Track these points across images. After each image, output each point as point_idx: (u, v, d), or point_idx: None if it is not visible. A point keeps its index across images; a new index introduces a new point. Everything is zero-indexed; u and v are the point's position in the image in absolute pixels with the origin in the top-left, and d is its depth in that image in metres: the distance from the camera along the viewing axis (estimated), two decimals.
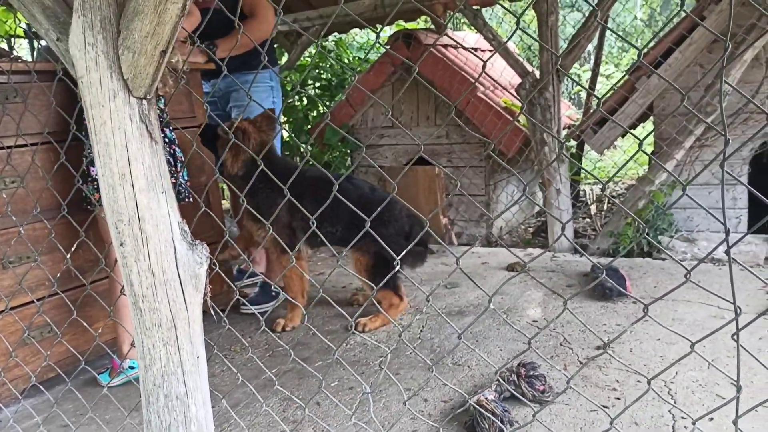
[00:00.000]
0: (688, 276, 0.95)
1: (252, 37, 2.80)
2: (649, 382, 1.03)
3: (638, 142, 0.97)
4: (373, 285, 2.50)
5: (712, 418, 1.77)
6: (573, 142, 4.12)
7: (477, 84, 3.81)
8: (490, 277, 3.34)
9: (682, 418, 1.77)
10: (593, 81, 4.34)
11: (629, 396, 1.93)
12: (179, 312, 1.11)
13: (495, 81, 4.12)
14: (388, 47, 4.13)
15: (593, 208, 4.77)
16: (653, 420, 1.78)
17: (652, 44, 3.42)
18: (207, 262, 1.14)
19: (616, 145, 6.12)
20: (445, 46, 4.12)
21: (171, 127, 2.32)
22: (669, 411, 1.82)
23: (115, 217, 1.05)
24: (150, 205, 1.04)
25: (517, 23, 0.94)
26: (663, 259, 3.34)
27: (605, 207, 4.57)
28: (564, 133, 3.94)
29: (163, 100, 2.20)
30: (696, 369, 2.07)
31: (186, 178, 2.41)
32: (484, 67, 1.07)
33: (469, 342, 2.48)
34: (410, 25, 4.77)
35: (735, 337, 0.88)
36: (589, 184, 5.55)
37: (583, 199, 5.10)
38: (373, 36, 5.15)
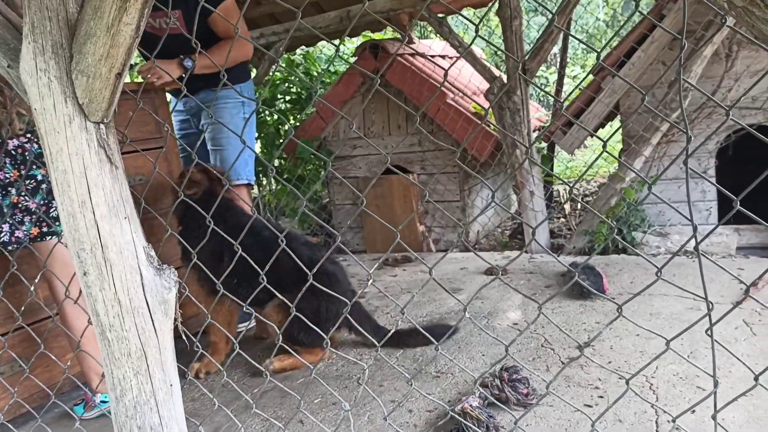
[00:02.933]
0: (659, 274, 0.96)
1: (232, 55, 2.77)
2: (627, 382, 1.03)
3: (602, 143, 0.98)
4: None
5: (693, 411, 1.78)
6: (544, 144, 4.17)
7: (446, 91, 3.83)
8: (470, 282, 3.34)
9: (665, 412, 1.78)
10: (560, 83, 4.40)
11: (612, 394, 1.94)
12: (149, 340, 1.07)
13: (464, 87, 4.15)
14: (355, 58, 4.14)
15: (567, 207, 4.83)
16: (636, 416, 1.79)
17: (614, 44, 3.48)
18: (176, 287, 1.12)
19: (587, 144, 6.22)
20: (413, 54, 4.14)
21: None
22: (652, 407, 1.83)
23: (77, 246, 1.01)
24: (113, 231, 1.01)
25: (476, 31, 0.94)
26: (638, 255, 3.38)
27: (579, 206, 4.63)
28: (534, 135, 3.97)
29: None
30: (676, 362, 2.09)
31: None
32: (446, 74, 1.07)
33: (452, 349, 2.47)
34: (378, 36, 4.79)
35: (709, 332, 0.89)
36: (562, 183, 5.62)
37: (557, 199, 5.16)
38: (341, 48, 5.16)
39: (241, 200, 2.88)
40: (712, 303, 0.89)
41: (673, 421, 1.21)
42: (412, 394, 2.13)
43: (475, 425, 1.71)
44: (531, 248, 3.73)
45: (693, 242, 2.91)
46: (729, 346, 2.16)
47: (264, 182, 5.31)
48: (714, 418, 0.89)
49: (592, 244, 3.49)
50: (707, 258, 0.92)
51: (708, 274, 2.90)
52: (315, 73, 5.00)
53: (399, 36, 4.23)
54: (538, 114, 5.27)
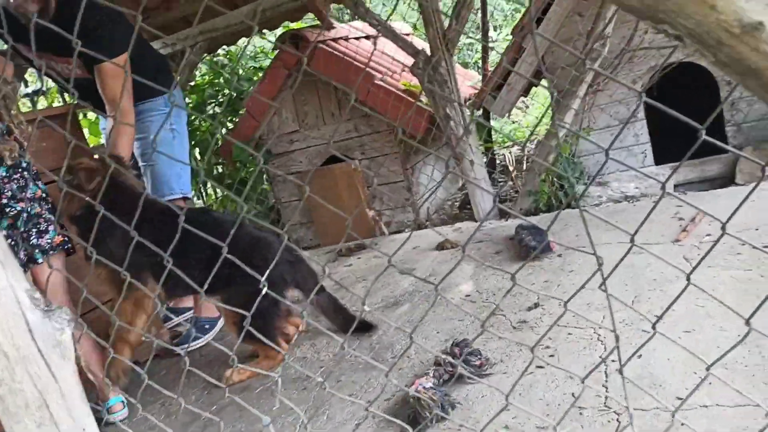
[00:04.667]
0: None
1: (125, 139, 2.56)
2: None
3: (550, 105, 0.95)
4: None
5: (640, 356, 1.81)
6: (478, 112, 4.16)
7: (373, 72, 3.77)
8: (423, 260, 3.33)
9: (612, 361, 1.80)
10: (485, 49, 4.39)
11: (561, 351, 1.95)
12: (48, 387, 1.01)
13: (391, 65, 4.10)
14: (277, 52, 4.04)
15: (511, 169, 4.86)
16: (586, 369, 1.80)
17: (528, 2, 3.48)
18: (70, 326, 1.05)
19: (527, 104, 6.27)
20: (336, 39, 4.06)
21: (39, 181, 2.16)
22: (600, 357, 1.85)
23: None
24: None
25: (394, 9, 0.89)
26: (581, 209, 3.42)
27: (524, 168, 4.66)
28: (468, 103, 3.97)
29: (24, 153, 2.05)
30: (621, 309, 2.11)
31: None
32: (370, 57, 1.02)
33: (408, 329, 2.45)
34: (297, 25, 4.68)
35: (603, 287, 0.87)
36: (507, 148, 5.65)
37: (504, 163, 5.19)
38: (262, 42, 5.03)
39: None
40: (601, 258, 0.88)
41: (620, 371, 1.21)
42: (370, 384, 2.11)
43: (428, 406, 1.70)
44: (479, 216, 3.74)
45: (632, 185, 2.94)
46: (670, 285, 2.20)
47: (210, 191, 5.19)
48: (620, 372, 0.88)
49: (537, 203, 3.52)
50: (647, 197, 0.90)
51: (645, 216, 2.95)
52: (241, 72, 4.87)
53: (318, 23, 4.14)
54: (472, 81, 5.27)
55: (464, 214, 4.13)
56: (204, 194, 5.09)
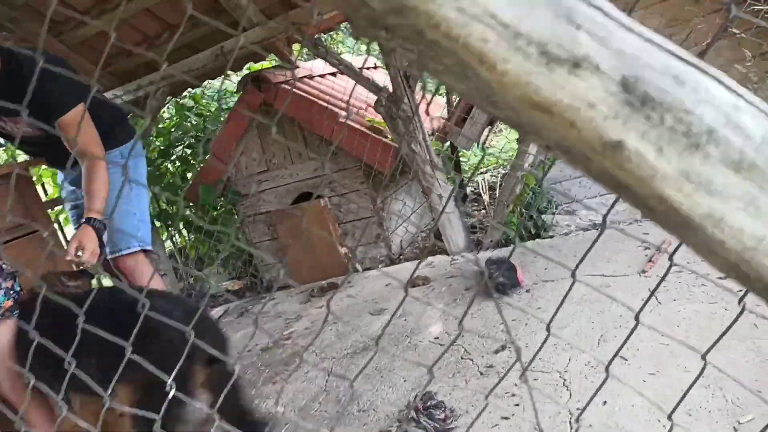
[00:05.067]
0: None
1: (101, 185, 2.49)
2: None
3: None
4: None
5: (605, 402, 1.76)
6: (446, 144, 4.16)
7: (336, 110, 3.76)
8: (394, 300, 3.27)
9: (578, 410, 1.76)
10: None
11: (527, 399, 1.90)
12: None
13: (356, 101, 4.09)
14: (240, 94, 4.02)
15: (486, 198, 4.86)
16: (551, 419, 1.76)
17: None
18: None
19: (496, 131, 6.29)
20: (300, 78, 4.06)
21: None
22: (565, 404, 1.80)
23: None
24: None
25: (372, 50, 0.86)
26: (551, 237, 3.41)
27: (497, 195, 4.65)
28: (433, 138, 3.96)
29: None
30: (587, 350, 2.08)
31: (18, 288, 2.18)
32: (351, 97, 0.98)
33: (374, 379, 2.39)
34: (261, 65, 4.67)
35: (547, 330, 0.82)
36: (481, 174, 5.65)
37: (477, 190, 5.18)
38: (226, 84, 5.01)
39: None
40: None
41: (577, 421, 1.16)
42: None
43: None
44: (451, 249, 3.71)
45: (601, 213, 2.88)
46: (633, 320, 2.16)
47: (184, 234, 5.10)
48: (577, 421, 0.83)
49: (507, 235, 3.50)
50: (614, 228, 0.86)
51: (615, 245, 2.94)
52: (206, 113, 4.84)
53: (281, 63, 4.13)
54: (442, 111, 5.29)
55: (438, 247, 4.09)
56: (176, 239, 5.01)
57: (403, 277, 3.56)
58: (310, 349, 2.99)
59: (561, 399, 1.84)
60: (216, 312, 4.15)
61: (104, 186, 2.50)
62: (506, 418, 1.83)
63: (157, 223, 4.42)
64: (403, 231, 4.20)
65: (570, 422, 1.72)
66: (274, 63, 4.17)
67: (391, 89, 3.54)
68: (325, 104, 3.79)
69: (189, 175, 4.79)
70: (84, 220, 2.38)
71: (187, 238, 4.99)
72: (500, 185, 4.72)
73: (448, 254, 3.75)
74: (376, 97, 3.63)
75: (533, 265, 3.07)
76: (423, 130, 3.52)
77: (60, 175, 3.22)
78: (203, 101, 4.96)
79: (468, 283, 3.14)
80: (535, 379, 1.99)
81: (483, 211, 4.70)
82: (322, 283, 4.01)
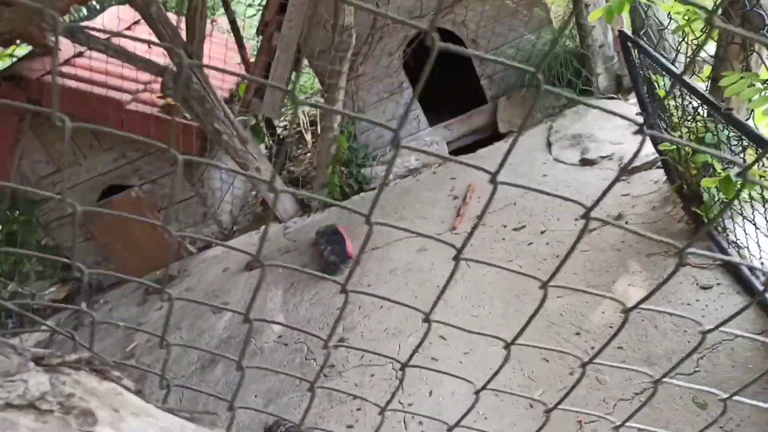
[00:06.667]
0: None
1: None
2: (382, 412, 1.03)
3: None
4: None
5: (431, 392, 1.97)
6: (253, 118, 3.97)
7: (120, 97, 3.36)
8: (234, 289, 3.23)
9: (410, 405, 1.95)
10: (242, 51, 4.10)
11: (368, 402, 2.05)
12: None
13: (148, 81, 3.67)
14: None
15: (309, 137, 4.80)
16: (389, 419, 1.93)
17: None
18: None
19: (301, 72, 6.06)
20: (66, 62, 3.51)
21: None
22: (399, 401, 1.98)
23: None
24: None
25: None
26: (373, 188, 3.50)
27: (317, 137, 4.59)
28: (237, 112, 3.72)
29: None
30: (414, 333, 2.26)
31: None
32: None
33: (228, 395, 2.40)
34: (12, 50, 3.93)
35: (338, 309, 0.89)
36: (300, 112, 5.52)
37: (300, 129, 5.08)
38: None
39: None
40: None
41: (380, 411, 1.26)
42: None
43: None
44: (282, 216, 3.68)
45: (413, 157, 2.98)
46: (451, 293, 2.37)
47: None
48: (381, 412, 0.87)
49: (332, 195, 3.53)
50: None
51: (429, 195, 3.11)
52: None
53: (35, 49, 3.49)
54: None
55: (267, 212, 4.03)
56: None
57: (238, 261, 3.50)
58: (156, 368, 2.90)
59: (396, 394, 2.02)
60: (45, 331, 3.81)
61: None
62: (351, 427, 1.98)
63: None
64: (228, 204, 4.06)
65: (404, 420, 1.91)
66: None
67: (175, 69, 3.21)
68: (104, 92, 3.36)
69: None
70: None
71: None
72: (321, 120, 4.65)
73: (279, 221, 3.72)
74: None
75: (360, 227, 3.16)
76: (222, 106, 3.29)
77: None
78: None
79: (303, 258, 3.17)
80: (372, 375, 2.14)
81: (308, 154, 4.65)
82: (157, 275, 3.82)
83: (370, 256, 2.88)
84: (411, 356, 0.71)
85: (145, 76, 3.56)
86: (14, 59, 3.60)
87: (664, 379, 0.65)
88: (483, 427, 1.73)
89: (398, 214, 3.09)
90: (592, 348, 1.82)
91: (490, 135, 3.62)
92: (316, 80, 4.17)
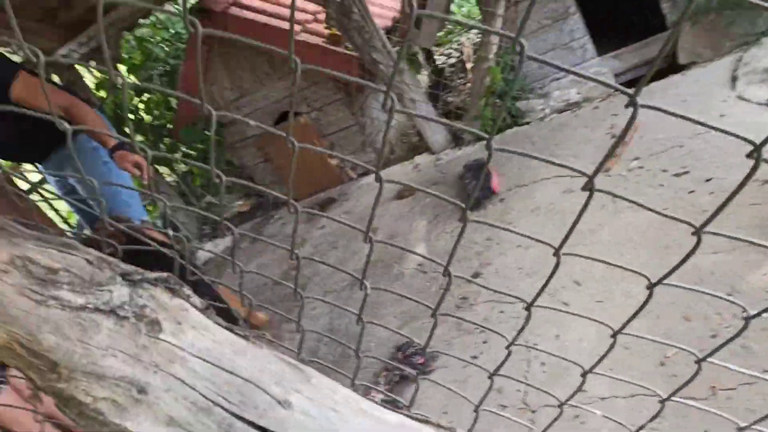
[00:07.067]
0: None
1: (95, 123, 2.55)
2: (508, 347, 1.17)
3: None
4: None
5: (558, 336, 1.96)
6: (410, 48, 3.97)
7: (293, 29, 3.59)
8: (383, 216, 3.42)
9: (535, 344, 1.96)
10: None
11: (494, 336, 2.11)
12: None
13: (314, 13, 3.87)
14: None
15: (469, 65, 4.71)
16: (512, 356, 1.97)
17: None
18: None
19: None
20: None
21: None
22: (524, 341, 2.01)
23: None
24: None
25: None
26: (527, 123, 3.38)
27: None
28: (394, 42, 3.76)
29: None
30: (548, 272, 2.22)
31: None
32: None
33: (367, 316, 2.63)
34: None
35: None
36: (463, 36, 5.39)
37: (462, 59, 5.00)
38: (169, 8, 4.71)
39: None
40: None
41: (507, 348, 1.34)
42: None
43: None
44: (434, 147, 3.74)
45: (574, 90, 2.92)
46: (592, 237, 2.27)
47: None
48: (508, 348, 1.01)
49: (484, 128, 3.48)
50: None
51: (584, 133, 2.93)
52: (167, 41, 4.67)
53: None
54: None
55: (422, 143, 4.11)
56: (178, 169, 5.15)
57: (390, 188, 3.67)
58: (315, 280, 3.25)
59: (522, 334, 2.04)
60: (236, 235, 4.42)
61: (100, 123, 2.56)
62: (475, 357, 2.07)
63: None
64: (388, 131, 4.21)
65: (528, 360, 1.94)
66: None
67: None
68: (277, 23, 3.62)
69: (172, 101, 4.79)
70: (111, 150, 2.47)
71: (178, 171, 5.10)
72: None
73: (432, 153, 3.79)
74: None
75: (510, 163, 3.11)
76: (381, 37, 3.36)
77: (41, 171, 3.32)
78: (157, 29, 4.75)
79: (451, 191, 3.23)
80: (501, 312, 2.18)
81: (467, 85, 4.58)
82: (321, 197, 4.18)
83: (514, 194, 2.84)
84: (537, 295, 0.71)
85: (311, 6, 3.75)
86: None
87: None
88: (607, 378, 1.70)
89: (549, 151, 2.96)
90: (743, 312, 1.65)
91: (667, 66, 3.23)
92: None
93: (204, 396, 0.53)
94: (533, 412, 1.77)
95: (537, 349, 1.93)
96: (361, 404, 0.56)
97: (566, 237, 0.64)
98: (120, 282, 0.51)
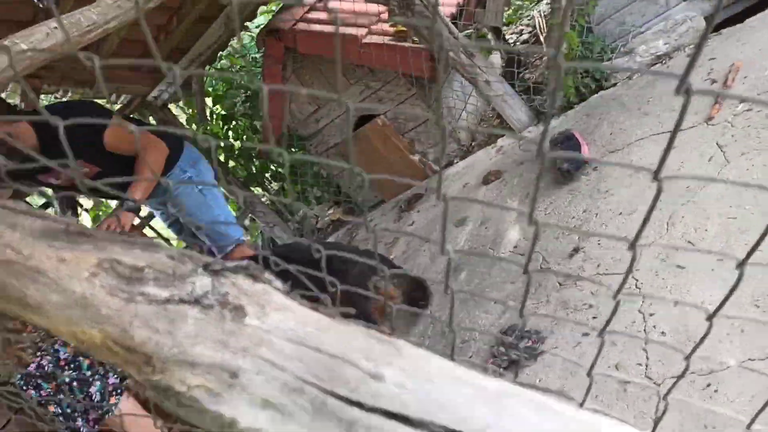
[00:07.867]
0: None
1: (154, 167, 2.76)
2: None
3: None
4: None
5: (676, 303, 1.80)
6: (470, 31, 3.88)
7: (354, 33, 3.64)
8: (473, 203, 3.36)
9: (651, 315, 1.83)
10: None
11: (604, 310, 1.99)
12: None
13: (377, 14, 3.89)
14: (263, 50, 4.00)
15: (542, 38, 4.52)
16: (627, 329, 1.85)
17: None
18: None
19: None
20: (308, 10, 3.92)
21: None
22: (639, 311, 1.87)
23: None
24: None
25: None
26: (614, 85, 3.18)
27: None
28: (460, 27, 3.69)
29: None
30: (656, 238, 2.07)
31: None
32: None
33: (468, 303, 2.59)
34: (270, 7, 4.52)
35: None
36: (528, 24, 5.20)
37: (535, 31, 4.82)
38: (246, 39, 4.94)
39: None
40: None
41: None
42: None
43: None
44: (516, 127, 3.62)
45: (661, 41, 2.74)
46: (702, 194, 2.08)
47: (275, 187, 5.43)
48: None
49: (567, 98, 3.32)
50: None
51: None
52: (244, 67, 4.89)
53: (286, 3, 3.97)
54: None
55: (504, 124, 4.00)
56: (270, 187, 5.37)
57: (477, 174, 3.60)
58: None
59: (634, 305, 1.91)
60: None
61: (156, 166, 2.69)
62: (587, 335, 1.96)
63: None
64: (464, 122, 4.14)
65: (644, 329, 1.81)
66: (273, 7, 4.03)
67: None
68: (343, 29, 3.67)
69: (257, 124, 5.02)
70: (119, 205, 2.59)
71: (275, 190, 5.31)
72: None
73: (515, 132, 3.67)
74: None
75: (598, 130, 2.94)
76: (445, 23, 3.31)
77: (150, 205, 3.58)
78: (234, 58, 4.99)
79: (538, 169, 3.10)
80: (609, 285, 2.05)
81: (544, 58, 4.40)
82: (408, 194, 4.18)
83: (609, 160, 2.68)
84: (623, 281, 0.64)
85: (373, 8, 3.77)
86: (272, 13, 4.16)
87: None
88: (738, 341, 1.54)
89: (641, 109, 2.76)
90: None
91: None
92: None
93: (295, 375, 0.53)
94: (658, 384, 1.64)
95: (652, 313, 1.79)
96: (456, 371, 0.53)
97: (660, 162, 0.58)
98: (201, 273, 0.52)
